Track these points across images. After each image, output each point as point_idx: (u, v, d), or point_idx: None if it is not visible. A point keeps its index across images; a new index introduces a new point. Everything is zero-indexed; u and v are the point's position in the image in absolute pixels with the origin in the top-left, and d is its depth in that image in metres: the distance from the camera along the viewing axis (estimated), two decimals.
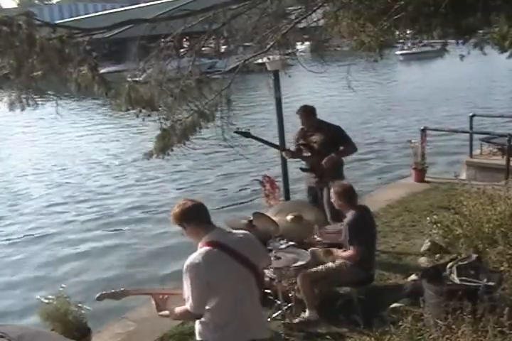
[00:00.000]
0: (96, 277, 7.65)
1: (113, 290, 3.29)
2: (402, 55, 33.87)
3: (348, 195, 4.69)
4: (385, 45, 4.91)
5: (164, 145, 4.26)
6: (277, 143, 6.38)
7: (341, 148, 5.85)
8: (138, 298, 6.40)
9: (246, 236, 3.16)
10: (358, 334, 4.13)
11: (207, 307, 2.94)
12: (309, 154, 5.91)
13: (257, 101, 22.30)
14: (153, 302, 3.18)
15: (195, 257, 2.92)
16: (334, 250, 4.79)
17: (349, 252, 4.58)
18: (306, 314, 4.66)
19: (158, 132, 4.37)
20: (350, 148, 5.91)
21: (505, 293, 4.02)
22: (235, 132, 5.61)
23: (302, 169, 6.04)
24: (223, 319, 2.99)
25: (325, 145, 5.77)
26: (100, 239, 9.39)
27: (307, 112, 5.88)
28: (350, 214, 4.68)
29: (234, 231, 3.24)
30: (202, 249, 2.96)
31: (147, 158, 4.45)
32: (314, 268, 4.66)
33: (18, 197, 12.33)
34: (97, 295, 3.27)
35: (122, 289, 3.31)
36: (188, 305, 2.93)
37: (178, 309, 3.04)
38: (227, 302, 2.95)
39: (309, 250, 4.94)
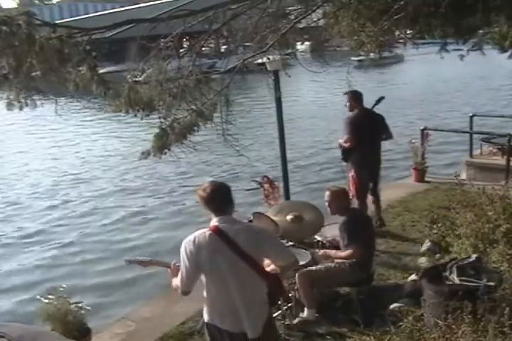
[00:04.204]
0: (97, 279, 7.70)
1: (141, 258, 3.57)
2: (358, 60, 29.47)
3: (340, 198, 4.74)
4: (384, 45, 4.90)
5: (162, 144, 4.25)
6: None
7: None
8: (138, 298, 6.45)
9: (250, 228, 3.26)
10: (358, 334, 4.13)
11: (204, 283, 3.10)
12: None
13: (257, 101, 22.30)
14: (169, 270, 3.37)
15: (193, 236, 3.07)
16: (332, 251, 4.80)
17: (348, 251, 4.59)
18: (305, 313, 4.66)
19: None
20: (346, 141, 6.37)
21: (506, 293, 4.02)
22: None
23: None
24: (210, 299, 3.14)
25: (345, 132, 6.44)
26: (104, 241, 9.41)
27: (349, 97, 6.42)
28: (344, 217, 4.73)
29: (243, 221, 3.35)
30: (204, 230, 3.08)
31: (144, 157, 4.43)
32: (313, 267, 4.66)
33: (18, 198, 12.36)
34: (126, 258, 3.57)
35: (150, 259, 3.57)
36: (178, 280, 3.12)
37: (174, 281, 3.21)
38: (213, 286, 3.09)
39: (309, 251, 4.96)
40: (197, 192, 3.15)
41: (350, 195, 6.40)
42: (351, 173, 6.50)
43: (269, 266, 3.29)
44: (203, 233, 3.07)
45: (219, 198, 3.11)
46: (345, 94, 6.44)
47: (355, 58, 30.01)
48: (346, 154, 6.48)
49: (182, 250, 3.07)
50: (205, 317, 3.24)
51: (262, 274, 3.15)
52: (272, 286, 3.21)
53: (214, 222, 3.11)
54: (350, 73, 5.21)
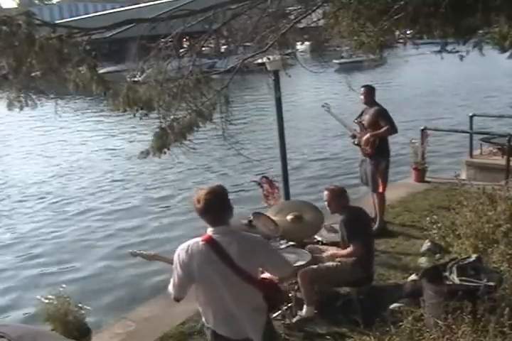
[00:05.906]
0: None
1: (144, 252, 3.66)
2: (339, 63, 28.78)
3: (339, 197, 4.75)
4: (384, 45, 4.90)
5: (162, 144, 4.24)
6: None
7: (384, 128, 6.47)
8: (138, 298, 6.44)
9: (245, 239, 3.11)
10: (358, 334, 4.13)
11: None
12: (359, 131, 6.75)
13: (257, 101, 22.30)
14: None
15: (187, 244, 3.04)
16: (334, 251, 4.81)
17: (349, 249, 4.60)
18: (304, 311, 4.67)
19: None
20: (388, 129, 6.45)
21: (506, 293, 4.02)
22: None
23: (353, 143, 6.90)
24: (203, 307, 3.14)
25: (369, 124, 6.58)
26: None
27: (365, 91, 6.66)
28: (344, 215, 4.74)
29: (241, 232, 3.20)
30: (197, 239, 3.04)
31: (143, 156, 4.42)
32: (315, 266, 4.68)
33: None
34: (131, 250, 3.67)
35: (153, 253, 3.65)
36: (170, 286, 3.12)
37: (170, 286, 3.16)
38: (206, 296, 3.07)
39: (307, 247, 4.98)
40: (192, 201, 3.02)
41: (380, 189, 6.68)
42: (382, 165, 6.63)
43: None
44: (196, 243, 3.01)
45: (214, 210, 2.97)
46: (363, 87, 6.67)
47: (337, 61, 28.99)
48: (382, 147, 6.59)
49: (175, 257, 3.04)
50: (203, 320, 3.22)
51: (255, 284, 3.07)
52: (269, 292, 3.16)
53: (209, 231, 3.03)
54: (342, 75, 5.22)
